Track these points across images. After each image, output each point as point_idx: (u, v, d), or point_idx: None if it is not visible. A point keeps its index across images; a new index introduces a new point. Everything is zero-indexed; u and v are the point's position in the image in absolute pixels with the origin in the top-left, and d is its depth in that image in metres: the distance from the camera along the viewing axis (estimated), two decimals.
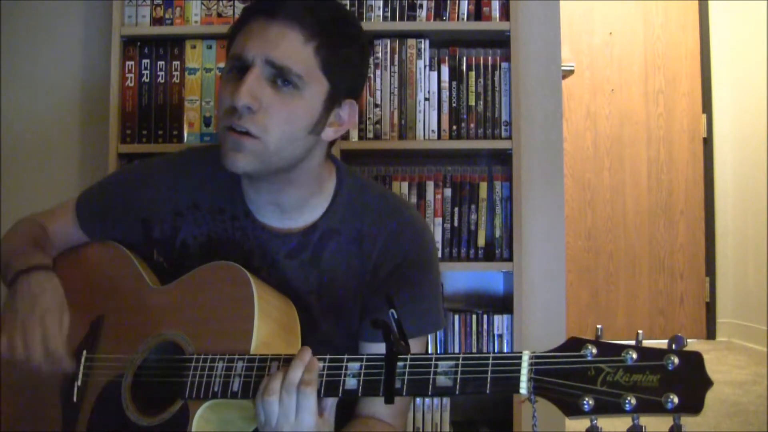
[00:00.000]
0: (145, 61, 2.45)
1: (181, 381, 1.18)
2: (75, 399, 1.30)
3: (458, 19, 2.44)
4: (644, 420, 0.88)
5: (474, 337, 2.41)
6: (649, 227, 5.03)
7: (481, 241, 2.44)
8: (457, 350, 2.40)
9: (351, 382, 1.07)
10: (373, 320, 1.06)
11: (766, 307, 4.45)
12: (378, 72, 2.43)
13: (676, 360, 0.87)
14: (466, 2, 2.44)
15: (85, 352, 1.33)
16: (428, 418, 2.38)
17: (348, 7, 2.40)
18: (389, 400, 1.03)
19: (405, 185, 2.44)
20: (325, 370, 1.09)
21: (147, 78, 2.45)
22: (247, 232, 1.39)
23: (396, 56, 2.44)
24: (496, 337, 2.40)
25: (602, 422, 0.90)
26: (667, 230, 5.03)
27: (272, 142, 1.23)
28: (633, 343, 0.92)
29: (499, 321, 2.40)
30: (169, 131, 2.43)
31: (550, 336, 2.56)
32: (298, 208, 1.37)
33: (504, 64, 2.44)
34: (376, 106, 2.43)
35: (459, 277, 2.64)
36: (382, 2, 2.43)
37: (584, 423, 0.91)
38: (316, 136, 1.30)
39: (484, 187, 2.44)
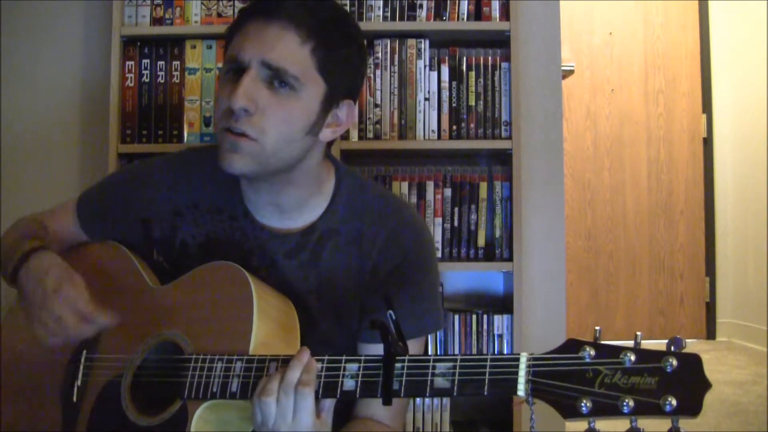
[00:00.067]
0: (145, 61, 2.45)
1: (180, 381, 1.18)
2: (75, 399, 1.30)
3: (458, 19, 2.44)
4: (642, 422, 0.88)
5: (474, 337, 2.41)
6: (649, 227, 5.03)
7: (481, 241, 2.44)
8: (457, 350, 2.40)
9: (349, 383, 1.07)
10: (371, 321, 1.06)
11: (766, 307, 4.45)
12: (378, 72, 2.43)
13: (675, 362, 0.87)
14: (466, 2, 2.44)
15: (85, 352, 1.33)
16: (428, 418, 2.38)
17: (348, 7, 2.41)
18: (387, 402, 1.03)
19: (405, 185, 2.44)
20: (323, 371, 1.09)
21: (147, 78, 2.45)
22: (247, 233, 1.39)
23: (396, 56, 2.44)
24: (496, 337, 2.40)
25: (601, 424, 0.90)
26: (667, 230, 5.03)
27: (269, 144, 1.23)
28: (631, 344, 0.92)
29: (499, 321, 2.40)
30: (169, 131, 2.43)
31: (550, 336, 2.56)
32: (297, 208, 1.37)
33: (504, 64, 2.44)
34: (376, 106, 2.43)
35: (459, 277, 2.64)
36: (382, 2, 2.43)
37: (583, 425, 0.91)
38: (314, 137, 1.30)
39: (484, 187, 2.44)
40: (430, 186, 2.44)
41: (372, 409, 1.34)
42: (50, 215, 1.53)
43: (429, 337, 2.30)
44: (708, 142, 5.01)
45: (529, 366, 0.96)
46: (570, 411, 0.90)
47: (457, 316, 2.41)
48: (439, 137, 2.44)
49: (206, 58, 2.44)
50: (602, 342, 0.94)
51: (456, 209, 2.44)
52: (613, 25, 5.05)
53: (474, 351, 2.40)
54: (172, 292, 1.33)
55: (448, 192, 2.44)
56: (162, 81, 2.45)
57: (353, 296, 1.37)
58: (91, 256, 1.48)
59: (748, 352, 4.53)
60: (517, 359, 0.97)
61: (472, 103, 2.44)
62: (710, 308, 4.98)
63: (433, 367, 1.02)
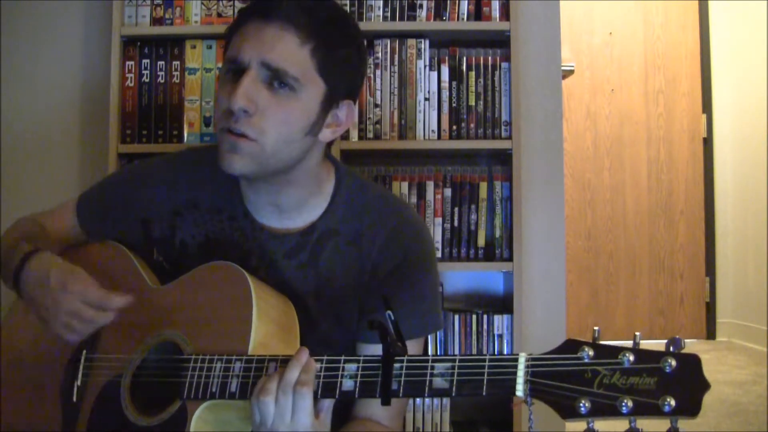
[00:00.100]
0: (145, 61, 2.45)
1: (179, 381, 1.18)
2: (75, 399, 1.30)
3: (458, 19, 2.44)
4: (641, 423, 0.88)
5: (474, 337, 2.41)
6: (649, 227, 5.03)
7: (481, 241, 2.44)
8: (457, 351, 2.40)
9: (348, 384, 1.07)
10: (370, 321, 1.06)
11: (766, 307, 4.45)
12: (378, 72, 2.43)
13: (674, 362, 0.87)
14: (466, 2, 2.44)
15: (84, 351, 1.33)
16: (428, 418, 2.38)
17: (348, 7, 2.41)
18: (386, 402, 1.03)
19: (405, 185, 2.44)
20: (322, 371, 1.09)
21: (147, 78, 2.45)
22: (246, 233, 1.39)
23: (396, 56, 2.44)
24: (496, 337, 2.40)
25: (600, 425, 0.90)
26: (667, 230, 5.03)
27: (269, 145, 1.23)
28: (631, 345, 0.92)
29: (499, 321, 2.40)
30: (169, 131, 2.43)
31: (550, 336, 2.56)
32: (297, 208, 1.37)
33: (504, 64, 2.44)
34: (376, 106, 2.43)
35: (459, 277, 2.64)
36: (382, 2, 2.43)
37: (582, 425, 0.91)
38: (314, 138, 1.30)
39: (484, 187, 2.44)
40: (430, 186, 2.44)
41: (371, 409, 1.33)
42: (50, 215, 1.53)
43: (429, 337, 2.30)
44: (708, 142, 5.01)
45: (527, 366, 0.96)
46: (569, 411, 0.90)
47: (457, 316, 2.41)
48: (439, 137, 2.44)
49: (206, 58, 2.44)
50: (601, 342, 0.94)
51: (456, 209, 2.44)
52: (613, 25, 5.05)
53: (474, 351, 2.40)
54: (172, 292, 1.33)
55: (448, 192, 2.44)
56: (162, 81, 2.45)
57: (353, 296, 1.37)
58: (91, 256, 1.48)
59: (748, 352, 4.53)
60: (516, 359, 0.97)
61: (472, 103, 2.44)
62: (710, 308, 4.98)
63: (432, 368, 1.02)
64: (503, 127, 2.43)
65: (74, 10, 2.65)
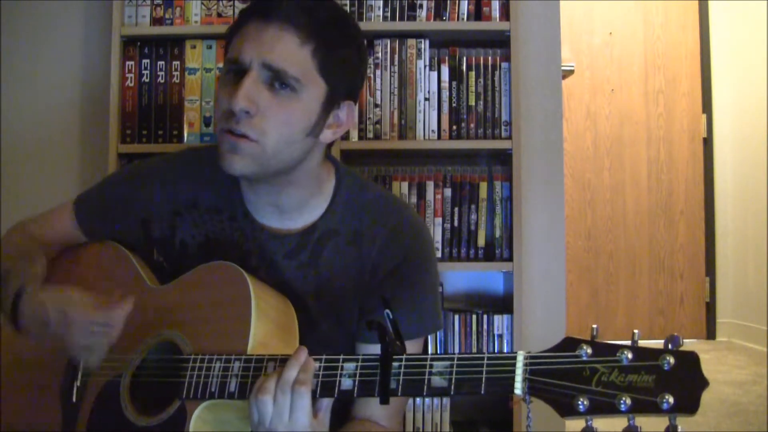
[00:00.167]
0: (145, 61, 2.45)
1: (178, 381, 1.18)
2: (74, 399, 1.30)
3: (458, 19, 2.44)
4: (640, 420, 0.88)
5: (474, 337, 2.41)
6: (649, 227, 5.03)
7: (481, 241, 2.44)
8: (456, 350, 2.40)
9: (347, 383, 1.07)
10: (368, 321, 1.06)
11: (766, 307, 4.45)
12: (378, 72, 2.43)
13: (672, 360, 0.87)
14: (466, 2, 2.44)
15: None
16: (428, 418, 2.38)
17: (348, 7, 2.41)
18: (384, 401, 1.03)
19: (405, 185, 2.44)
20: (321, 370, 1.08)
21: (147, 78, 2.45)
22: (246, 233, 1.39)
23: (396, 56, 2.44)
24: (496, 337, 2.40)
25: (599, 423, 0.90)
26: (667, 230, 5.03)
27: (270, 145, 1.23)
28: (629, 343, 0.92)
29: (499, 321, 2.40)
30: (169, 131, 2.44)
31: (550, 336, 2.55)
32: (297, 209, 1.37)
33: (504, 64, 2.45)
34: (376, 106, 2.43)
35: (459, 277, 2.64)
36: (382, 2, 2.43)
37: (581, 423, 0.91)
38: (315, 139, 1.30)
39: (484, 187, 2.44)
40: (430, 186, 2.44)
41: (369, 409, 1.33)
42: (47, 217, 1.53)
43: (429, 337, 2.30)
44: (708, 142, 5.01)
45: (526, 364, 0.96)
46: (567, 409, 0.90)
47: (457, 316, 2.41)
48: (439, 137, 2.44)
49: (206, 58, 2.44)
50: (599, 340, 0.94)
51: (456, 209, 2.44)
52: (613, 25, 5.05)
53: (474, 351, 2.40)
54: (171, 292, 1.33)
55: (448, 192, 2.44)
56: (162, 81, 2.45)
57: (353, 296, 1.37)
58: (90, 256, 1.48)
59: (748, 352, 4.53)
60: (514, 358, 0.97)
61: (472, 103, 2.44)
62: (710, 308, 4.98)
63: (431, 366, 1.02)
64: (503, 127, 2.43)
65: (74, 10, 2.65)
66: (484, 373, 0.98)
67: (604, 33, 5.04)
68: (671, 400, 0.85)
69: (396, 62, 2.44)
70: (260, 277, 1.30)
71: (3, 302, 1.33)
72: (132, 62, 2.45)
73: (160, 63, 2.45)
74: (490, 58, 2.45)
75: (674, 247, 5.02)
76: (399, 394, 1.03)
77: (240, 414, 1.19)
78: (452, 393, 1.00)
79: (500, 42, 2.44)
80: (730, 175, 4.99)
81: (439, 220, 2.43)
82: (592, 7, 5.01)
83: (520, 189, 2.40)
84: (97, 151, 2.54)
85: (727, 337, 4.92)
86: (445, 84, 2.44)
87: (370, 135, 2.42)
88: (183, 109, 2.43)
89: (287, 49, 1.22)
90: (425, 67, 2.44)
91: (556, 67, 2.64)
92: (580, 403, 0.89)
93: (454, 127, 2.44)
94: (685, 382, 0.87)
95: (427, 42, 2.45)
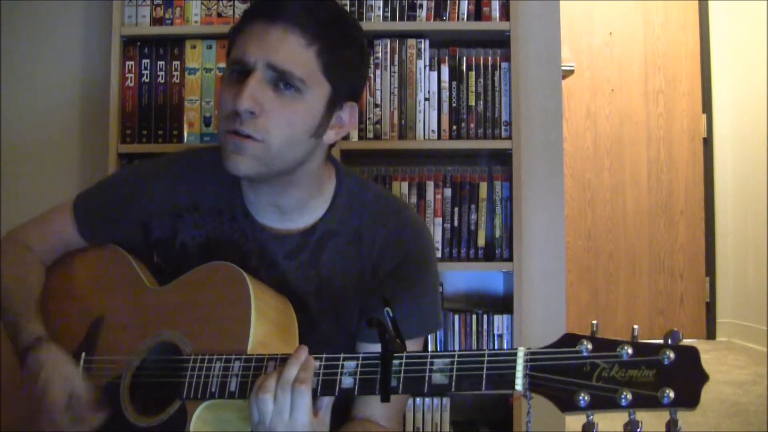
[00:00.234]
0: (145, 61, 2.45)
1: (178, 381, 1.17)
2: None
3: (458, 19, 2.44)
4: (641, 415, 0.88)
5: (474, 337, 2.41)
6: (649, 227, 5.03)
7: (481, 241, 2.44)
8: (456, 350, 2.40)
9: (347, 381, 1.06)
10: (368, 319, 1.06)
11: (766, 307, 4.45)
12: (378, 72, 2.44)
13: (672, 355, 0.87)
14: (466, 2, 2.44)
15: (84, 354, 1.33)
16: (428, 418, 2.38)
17: (348, 8, 2.41)
18: (385, 399, 1.03)
19: (405, 185, 2.44)
20: (322, 369, 1.08)
21: (147, 78, 2.45)
22: (246, 234, 1.39)
23: (396, 56, 2.44)
24: (496, 337, 2.40)
25: (600, 418, 0.90)
26: (667, 230, 5.03)
27: (274, 146, 1.23)
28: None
29: (499, 321, 2.40)
30: (169, 131, 2.44)
31: (550, 336, 2.51)
32: (298, 209, 1.37)
33: (504, 64, 2.45)
34: (376, 106, 2.43)
35: (459, 277, 2.64)
36: (382, 2, 2.43)
37: (582, 419, 0.91)
38: (318, 139, 1.30)
39: (484, 187, 2.44)
40: (430, 186, 2.44)
41: (369, 409, 1.33)
42: (45, 218, 1.52)
43: (429, 337, 2.30)
44: (708, 142, 5.02)
45: (526, 360, 0.96)
46: (568, 405, 0.90)
47: (457, 316, 2.41)
48: (439, 137, 2.44)
49: (206, 58, 2.44)
50: (599, 336, 0.94)
51: (456, 209, 2.44)
52: (613, 25, 5.05)
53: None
54: (171, 293, 1.32)
55: (448, 192, 2.44)
56: (162, 81, 2.45)
57: (353, 297, 1.37)
58: (89, 259, 1.48)
59: (748, 352, 4.53)
60: (515, 354, 0.97)
61: (472, 103, 2.44)
62: (710, 308, 4.98)
63: (431, 363, 1.02)
64: (503, 127, 2.43)
65: (74, 10, 2.65)
66: (484, 369, 0.98)
67: (604, 33, 5.04)
68: (672, 394, 0.85)
69: (396, 62, 2.44)
70: (260, 277, 1.30)
71: (11, 341, 1.35)
72: (132, 62, 2.45)
73: (160, 63, 2.45)
74: (490, 58, 2.46)
75: (674, 247, 5.02)
76: (400, 391, 1.03)
77: (240, 414, 1.19)
78: (453, 390, 0.99)
79: (500, 42, 2.45)
80: (730, 175, 4.99)
81: (439, 220, 2.43)
82: (592, 7, 5.01)
83: (520, 189, 2.40)
84: (97, 151, 2.54)
85: (727, 337, 4.92)
86: (445, 84, 2.45)
87: (370, 135, 2.42)
88: (183, 109, 2.43)
89: (292, 50, 1.22)
90: (425, 67, 2.44)
91: (556, 67, 2.64)
92: (581, 398, 0.89)
93: (454, 127, 2.44)
94: (685, 377, 0.87)
95: (427, 42, 2.45)
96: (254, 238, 1.38)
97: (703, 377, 0.87)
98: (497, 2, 2.43)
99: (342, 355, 1.08)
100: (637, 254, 5.02)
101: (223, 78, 1.30)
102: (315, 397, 1.08)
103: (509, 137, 2.41)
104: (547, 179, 2.61)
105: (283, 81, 1.22)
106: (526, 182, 2.53)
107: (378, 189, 1.49)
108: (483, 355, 0.99)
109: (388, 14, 2.44)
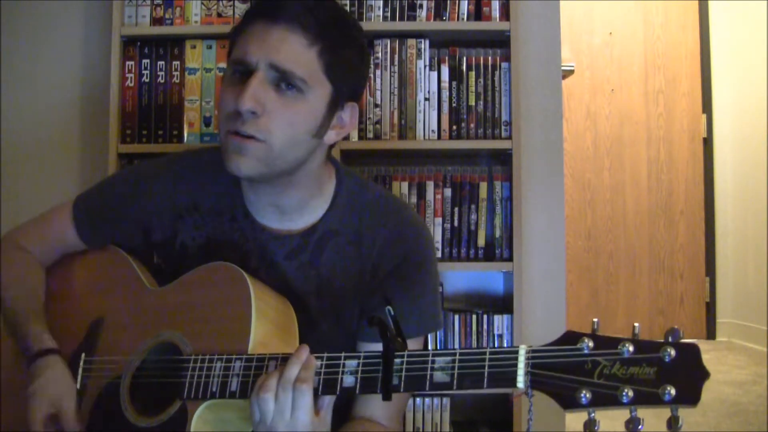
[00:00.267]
0: (145, 61, 2.45)
1: (179, 382, 1.17)
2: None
3: (458, 19, 2.44)
4: (642, 412, 0.88)
5: (474, 337, 2.41)
6: (649, 227, 5.03)
7: (481, 241, 2.44)
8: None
9: (348, 380, 1.06)
10: (369, 318, 1.06)
11: (766, 307, 4.45)
12: (378, 72, 2.44)
13: (673, 352, 0.87)
14: (466, 2, 2.44)
15: (84, 354, 1.33)
16: (428, 418, 2.38)
17: (348, 8, 2.41)
18: (387, 397, 1.03)
19: (405, 185, 2.44)
20: (323, 368, 1.08)
21: (147, 78, 2.45)
22: (247, 234, 1.39)
23: (396, 56, 2.44)
24: (496, 337, 2.40)
25: (601, 415, 0.90)
26: (667, 230, 5.03)
27: (276, 146, 1.23)
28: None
29: (499, 321, 2.40)
30: (169, 131, 2.44)
31: (550, 336, 2.51)
32: (298, 209, 1.37)
33: (504, 64, 2.45)
34: (376, 106, 2.43)
35: (459, 277, 2.64)
36: (382, 2, 2.43)
37: (584, 416, 0.91)
38: (319, 140, 1.30)
39: (484, 187, 2.44)
40: (430, 186, 2.44)
41: (370, 409, 1.33)
42: (45, 219, 1.52)
43: (429, 337, 2.30)
44: (708, 142, 5.02)
45: (528, 358, 0.96)
46: (569, 402, 0.90)
47: (457, 316, 2.41)
48: (439, 137, 2.44)
49: (206, 58, 2.44)
50: (600, 334, 0.94)
51: (456, 209, 2.44)
52: (613, 25, 5.05)
53: None
54: (171, 294, 1.33)
55: (448, 192, 2.44)
56: (162, 81, 2.45)
57: (353, 297, 1.37)
58: (89, 260, 1.48)
59: (748, 352, 4.53)
60: (516, 352, 0.98)
61: (472, 103, 2.44)
62: (710, 308, 4.98)
63: (432, 362, 1.02)
64: (503, 127, 2.43)
65: (74, 10, 2.65)
66: (486, 367, 0.98)
67: (604, 33, 5.04)
68: (673, 391, 0.85)
69: (396, 62, 2.44)
70: (260, 277, 1.30)
71: (17, 342, 1.36)
72: (132, 62, 2.45)
73: (160, 63, 2.45)
74: (490, 58, 2.45)
75: (674, 247, 5.02)
76: (402, 390, 1.03)
77: (241, 413, 1.19)
78: (455, 388, 0.99)
79: (500, 42, 2.44)
80: (730, 175, 4.99)
81: (439, 220, 2.43)
82: (592, 7, 5.01)
83: (520, 189, 2.40)
84: (97, 151, 2.54)
85: (727, 337, 4.92)
86: (445, 84, 2.44)
87: (370, 135, 2.42)
88: (183, 109, 2.43)
89: (294, 50, 1.22)
90: (425, 67, 2.44)
91: (556, 67, 2.64)
92: (582, 395, 0.89)
93: (454, 127, 2.44)
94: (686, 374, 0.87)
95: (427, 42, 2.45)
96: (254, 239, 1.38)
97: (704, 374, 0.87)
98: (497, 2, 2.43)
99: (343, 354, 1.08)
100: (637, 254, 5.02)
101: (224, 78, 1.30)
102: (316, 396, 1.08)
103: (509, 137, 2.41)
104: (547, 179, 2.61)
105: (284, 81, 1.22)
106: (526, 182, 2.53)
107: (378, 189, 1.49)
108: (484, 353, 1.00)
109: (388, 14, 2.44)
